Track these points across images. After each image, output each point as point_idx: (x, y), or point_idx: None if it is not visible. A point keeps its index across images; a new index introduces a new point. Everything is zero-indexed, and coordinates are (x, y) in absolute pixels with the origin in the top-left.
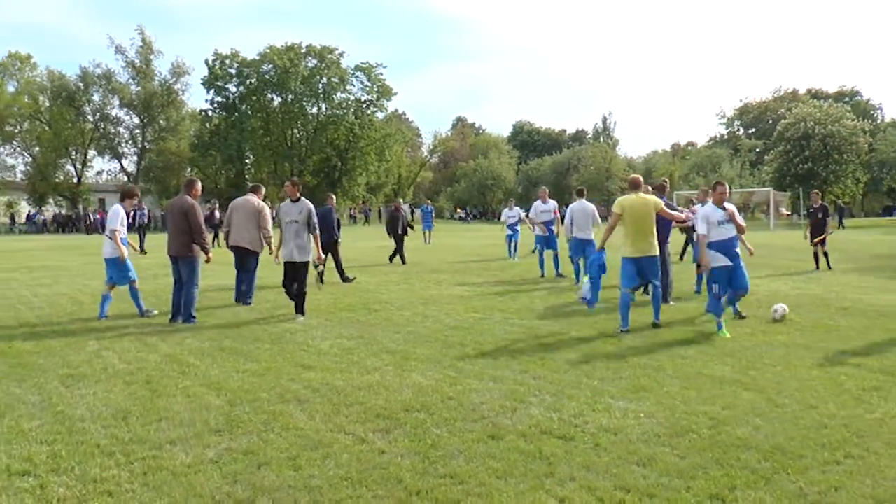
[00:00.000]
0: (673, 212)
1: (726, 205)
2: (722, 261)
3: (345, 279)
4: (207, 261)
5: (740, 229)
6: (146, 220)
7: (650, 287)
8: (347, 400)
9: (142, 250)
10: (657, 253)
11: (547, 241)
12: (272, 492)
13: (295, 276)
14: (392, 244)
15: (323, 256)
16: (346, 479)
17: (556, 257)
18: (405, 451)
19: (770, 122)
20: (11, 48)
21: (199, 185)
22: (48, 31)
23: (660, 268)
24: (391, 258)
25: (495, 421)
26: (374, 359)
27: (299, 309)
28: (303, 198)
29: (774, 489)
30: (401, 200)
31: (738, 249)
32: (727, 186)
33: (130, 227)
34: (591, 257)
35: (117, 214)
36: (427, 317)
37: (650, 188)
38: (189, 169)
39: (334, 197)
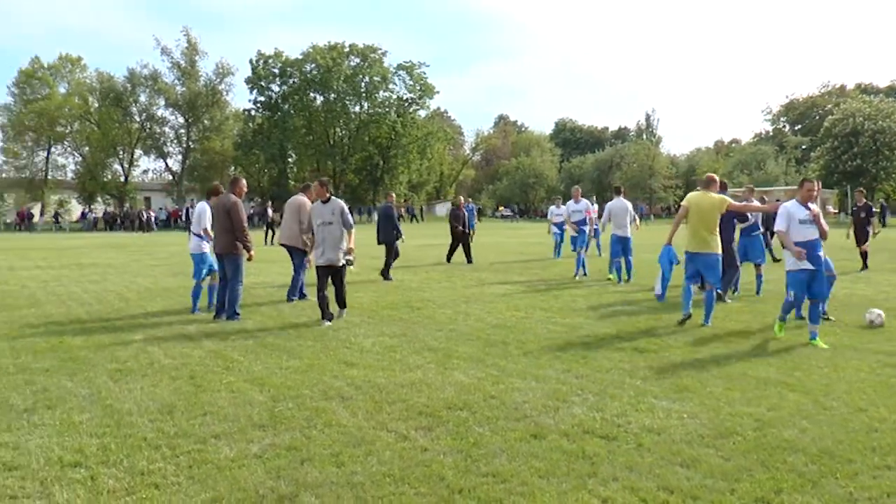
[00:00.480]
0: (748, 204)
1: (811, 205)
2: (803, 264)
3: (386, 277)
4: (250, 258)
5: (823, 234)
6: None
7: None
8: (390, 397)
9: None
10: (716, 251)
11: (575, 241)
12: (315, 487)
13: (332, 280)
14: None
15: (353, 247)
16: (388, 476)
17: (580, 256)
18: (447, 449)
19: (817, 118)
20: (62, 50)
21: (243, 183)
22: (97, 33)
23: (719, 267)
24: (469, 258)
25: (538, 420)
26: (417, 356)
27: (341, 302)
28: (333, 197)
29: (822, 493)
30: (461, 199)
31: (821, 252)
32: (816, 184)
33: (188, 226)
34: (660, 252)
35: (204, 212)
36: (469, 315)
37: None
38: (233, 168)
39: (394, 195)
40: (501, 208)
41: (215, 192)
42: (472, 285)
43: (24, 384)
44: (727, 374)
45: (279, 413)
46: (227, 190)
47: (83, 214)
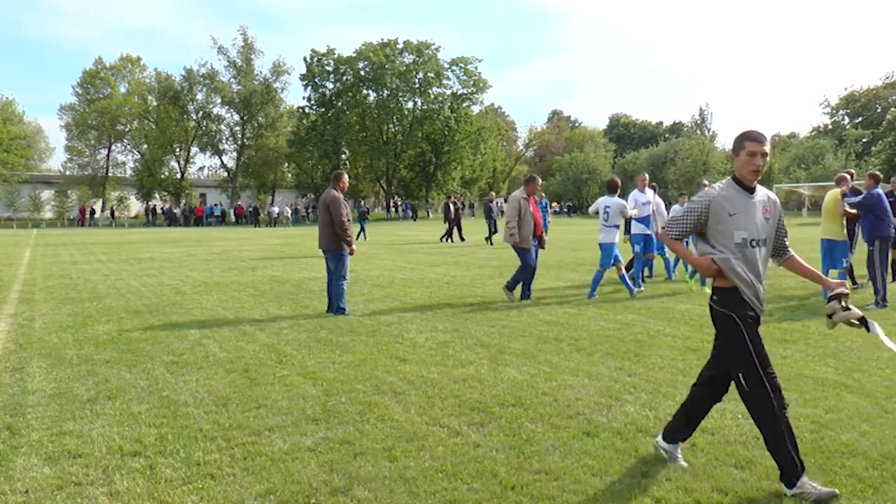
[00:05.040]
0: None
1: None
2: None
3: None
4: (351, 253)
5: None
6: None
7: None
8: (442, 393)
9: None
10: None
11: (649, 243)
12: (368, 482)
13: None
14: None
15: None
16: (441, 472)
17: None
18: (500, 446)
19: (879, 110)
20: (123, 51)
21: (345, 179)
22: (156, 33)
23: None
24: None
25: (590, 418)
26: (469, 352)
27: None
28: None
29: (885, 499)
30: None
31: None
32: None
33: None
34: None
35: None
36: (522, 311)
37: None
38: (287, 164)
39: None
40: (555, 204)
41: (337, 178)
42: None
43: (86, 375)
44: (783, 375)
45: (332, 407)
46: (330, 185)
47: (156, 210)
